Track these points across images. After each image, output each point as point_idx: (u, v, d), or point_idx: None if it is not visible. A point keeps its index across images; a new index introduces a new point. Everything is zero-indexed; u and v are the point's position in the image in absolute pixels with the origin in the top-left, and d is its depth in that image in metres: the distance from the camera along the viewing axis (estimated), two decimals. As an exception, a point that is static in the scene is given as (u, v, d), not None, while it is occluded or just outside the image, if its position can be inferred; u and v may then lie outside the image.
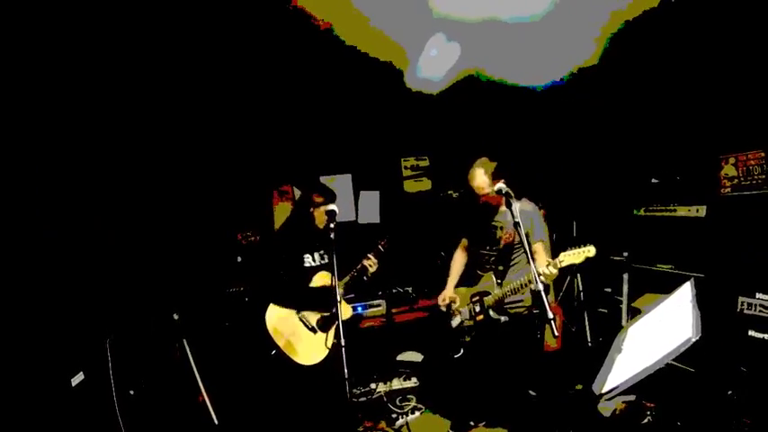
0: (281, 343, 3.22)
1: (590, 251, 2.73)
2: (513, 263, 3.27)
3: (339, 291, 3.29)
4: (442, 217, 3.77)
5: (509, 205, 2.62)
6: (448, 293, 3.54)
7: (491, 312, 3.27)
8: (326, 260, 3.46)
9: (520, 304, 3.29)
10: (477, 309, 3.34)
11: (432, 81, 4.24)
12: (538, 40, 3.64)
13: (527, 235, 2.96)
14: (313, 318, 3.35)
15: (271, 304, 3.29)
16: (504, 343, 3.29)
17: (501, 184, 2.74)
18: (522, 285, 3.03)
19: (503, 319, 3.26)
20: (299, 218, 3.52)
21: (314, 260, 3.45)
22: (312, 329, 3.33)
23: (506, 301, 3.24)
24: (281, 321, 3.27)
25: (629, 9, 3.36)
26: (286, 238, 3.61)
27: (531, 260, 2.52)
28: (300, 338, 3.28)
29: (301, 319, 3.32)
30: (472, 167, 3.19)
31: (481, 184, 3.13)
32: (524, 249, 2.58)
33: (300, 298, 3.35)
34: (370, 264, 3.40)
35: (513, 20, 3.36)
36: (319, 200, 3.39)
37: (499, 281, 3.26)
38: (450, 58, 3.89)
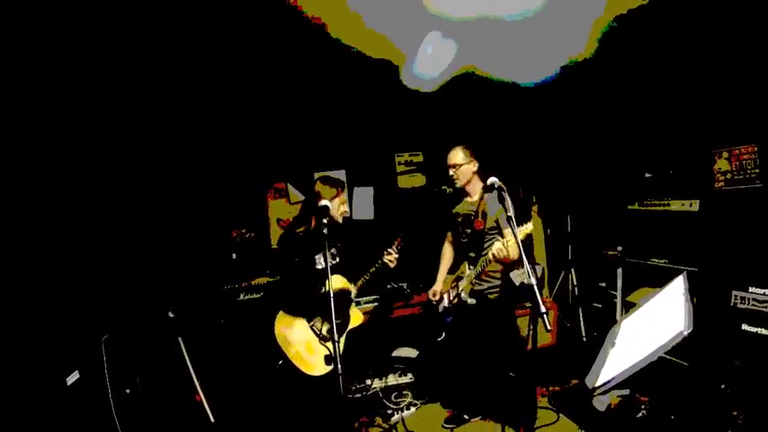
0: (290, 353, 3.06)
1: (528, 227, 2.77)
2: (484, 250, 3.28)
3: (353, 291, 3.33)
4: (436, 212, 3.78)
5: (502, 200, 2.61)
6: (437, 287, 3.73)
7: (462, 295, 3.44)
8: (338, 260, 3.29)
9: (495, 290, 3.45)
10: (453, 293, 3.53)
11: (428, 78, 4.23)
12: (531, 36, 3.63)
13: (497, 221, 3.29)
14: (325, 326, 3.19)
15: (280, 312, 3.13)
16: (477, 326, 3.47)
17: (494, 178, 2.71)
18: (486, 262, 3.15)
19: (469, 301, 3.42)
20: (309, 215, 3.25)
21: (324, 261, 3.16)
22: (323, 338, 3.15)
23: (481, 287, 3.44)
24: (291, 330, 3.12)
25: (621, 3, 3.36)
26: (298, 238, 3.25)
27: (523, 258, 2.45)
28: (311, 348, 3.11)
29: (312, 328, 3.16)
30: (452, 149, 3.46)
31: (453, 154, 3.43)
32: (497, 236, 3.02)
33: (312, 304, 3.15)
34: (391, 259, 3.29)
35: (507, 17, 3.36)
36: (332, 191, 3.18)
37: (471, 266, 3.40)
38: (447, 56, 3.89)
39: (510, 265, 3.24)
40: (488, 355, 3.53)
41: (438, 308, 3.68)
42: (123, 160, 4.00)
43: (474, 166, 3.43)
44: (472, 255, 3.41)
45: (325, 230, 2.69)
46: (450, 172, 3.44)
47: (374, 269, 3.31)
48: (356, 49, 3.67)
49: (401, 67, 4.10)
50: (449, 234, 3.83)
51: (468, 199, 3.52)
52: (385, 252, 3.31)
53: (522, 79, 4.36)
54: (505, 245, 2.87)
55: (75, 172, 3.53)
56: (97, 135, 3.74)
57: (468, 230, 3.45)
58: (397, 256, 3.32)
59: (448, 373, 3.94)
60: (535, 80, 4.39)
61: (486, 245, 3.32)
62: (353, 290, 3.33)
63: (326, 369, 3.04)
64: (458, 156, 3.41)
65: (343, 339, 3.10)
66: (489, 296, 3.44)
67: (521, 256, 2.49)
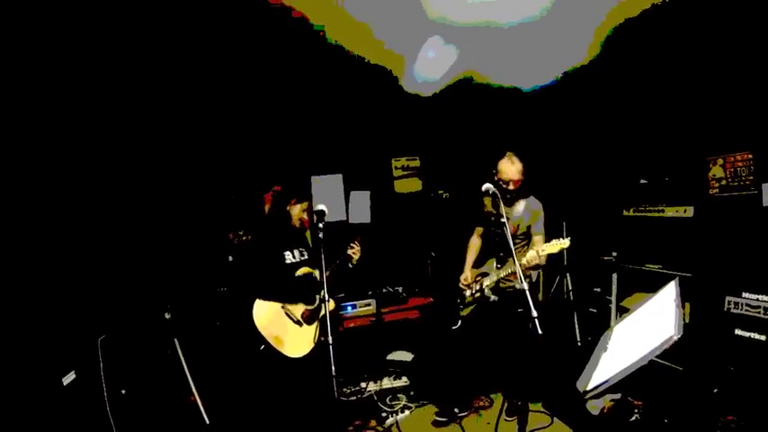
0: (269, 337, 3.21)
1: (565, 243, 3.05)
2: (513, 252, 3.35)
3: (317, 276, 3.47)
4: (432, 217, 3.79)
5: (496, 206, 2.89)
6: (467, 273, 3.80)
7: (485, 291, 3.56)
8: (306, 256, 3.53)
9: (512, 285, 3.54)
10: (477, 287, 3.64)
11: (428, 83, 4.25)
12: (531, 42, 3.67)
13: (529, 227, 3.52)
14: (298, 311, 3.36)
15: (257, 300, 3.26)
16: (494, 320, 3.59)
17: (488, 185, 2.96)
18: (514, 269, 3.17)
19: (492, 297, 3.55)
20: (276, 216, 3.61)
21: (293, 257, 3.46)
22: (298, 322, 3.33)
23: (506, 285, 3.55)
24: (267, 316, 3.26)
25: (622, 11, 3.39)
26: (266, 235, 3.67)
27: (514, 260, 2.75)
28: (287, 331, 3.28)
29: (287, 314, 3.32)
30: (507, 156, 3.47)
31: (519, 170, 3.44)
32: (526, 240, 3.38)
33: (284, 291, 3.34)
34: (355, 252, 3.47)
35: (507, 24, 3.39)
36: (292, 199, 3.52)
37: (499, 265, 3.55)
38: (447, 61, 3.91)
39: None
40: (502, 349, 3.69)
41: (462, 295, 3.76)
42: (124, 163, 4.02)
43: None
44: (501, 255, 3.54)
45: (321, 234, 2.95)
46: (511, 187, 3.45)
47: (337, 262, 3.47)
48: (356, 54, 3.69)
49: (400, 72, 4.12)
50: (478, 228, 3.92)
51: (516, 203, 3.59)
52: (348, 246, 3.50)
53: (521, 85, 4.39)
54: (540, 254, 3.09)
55: (77, 175, 3.54)
56: (99, 138, 3.75)
57: (501, 232, 3.44)
58: (358, 248, 3.50)
59: (444, 371, 4.03)
60: (534, 86, 4.41)
61: (515, 248, 3.29)
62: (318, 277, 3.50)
63: (302, 352, 3.28)
64: (520, 170, 3.44)
65: (316, 325, 3.41)
66: (508, 290, 3.55)
67: (513, 260, 2.77)
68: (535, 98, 4.72)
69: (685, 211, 4.04)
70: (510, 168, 3.43)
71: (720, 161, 3.94)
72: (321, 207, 2.97)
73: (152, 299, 3.89)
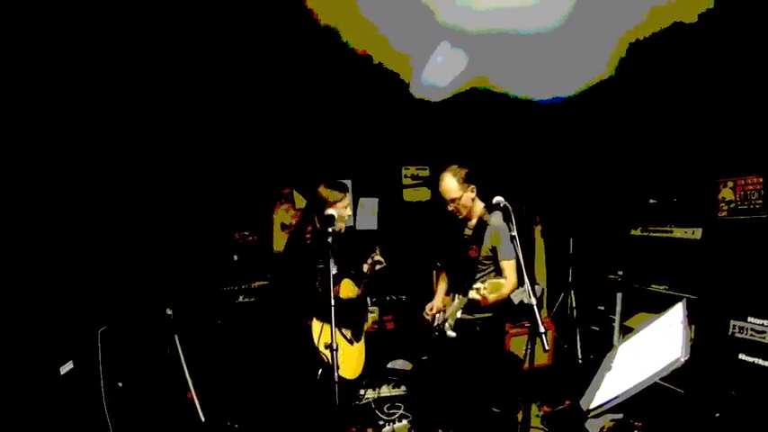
0: (327, 357, 2.92)
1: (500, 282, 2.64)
2: (477, 280, 3.07)
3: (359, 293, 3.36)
4: (439, 227, 3.77)
5: (508, 219, 2.57)
6: (434, 302, 3.47)
7: (444, 326, 3.21)
8: (337, 269, 3.12)
9: (481, 319, 3.20)
10: (441, 318, 3.33)
11: (436, 88, 4.24)
12: (547, 53, 3.64)
13: (494, 249, 3.07)
14: (347, 330, 3.19)
15: (314, 320, 2.96)
16: (457, 356, 3.24)
17: (499, 197, 2.66)
18: (470, 301, 2.90)
19: (449, 333, 3.15)
20: (312, 222, 3.12)
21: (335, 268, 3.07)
22: (350, 341, 3.17)
23: (470, 317, 3.18)
24: (326, 338, 2.93)
25: (637, 30, 3.38)
26: (308, 245, 3.10)
27: (524, 277, 2.42)
28: (344, 352, 2.99)
29: (341, 332, 3.11)
30: (442, 173, 3.15)
31: (448, 188, 3.09)
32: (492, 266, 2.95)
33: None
34: (380, 260, 3.42)
35: (522, 32, 3.35)
36: (337, 195, 3.07)
37: (460, 296, 3.17)
38: (457, 67, 3.89)
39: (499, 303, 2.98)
40: (471, 385, 3.32)
41: (432, 324, 3.44)
42: (133, 159, 4.03)
43: (472, 192, 3.15)
44: (464, 284, 3.10)
45: (330, 239, 2.67)
46: (450, 207, 3.14)
47: (371, 267, 3.39)
48: (373, 60, 3.69)
49: (410, 77, 4.12)
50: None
51: (471, 222, 3.26)
52: (372, 256, 3.42)
53: (532, 96, 4.37)
54: (485, 295, 2.64)
55: (86, 170, 3.56)
56: (106, 134, 3.77)
57: (462, 257, 3.21)
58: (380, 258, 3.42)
59: (438, 390, 3.69)
60: (546, 98, 4.40)
61: (478, 275, 3.15)
62: (359, 292, 3.38)
63: (359, 371, 3.16)
64: (453, 187, 3.08)
65: (362, 342, 3.29)
66: (477, 327, 3.20)
67: (522, 275, 2.45)
68: (547, 113, 4.72)
69: (693, 233, 4.01)
70: (440, 185, 3.14)
71: (730, 184, 3.92)
72: (331, 212, 2.82)
73: (155, 294, 3.89)
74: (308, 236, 3.06)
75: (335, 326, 2.84)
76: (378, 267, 3.44)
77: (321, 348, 2.87)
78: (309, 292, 2.98)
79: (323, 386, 2.79)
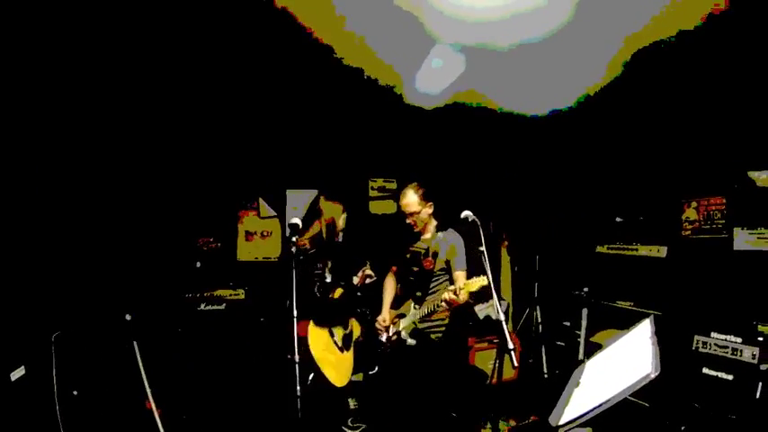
0: (323, 366, 3.11)
1: (483, 280, 2.70)
2: (431, 290, 3.23)
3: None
4: (404, 241, 3.73)
5: (477, 235, 2.71)
6: (384, 314, 3.51)
7: (402, 334, 3.28)
8: (331, 276, 3.44)
9: (440, 329, 3.26)
10: (393, 330, 3.37)
11: (428, 97, 4.15)
12: (523, 70, 3.64)
13: (448, 262, 3.21)
14: (339, 335, 3.30)
15: (310, 324, 3.14)
16: (417, 366, 3.27)
17: (468, 212, 2.81)
18: (435, 306, 3.05)
19: (409, 341, 3.24)
20: (320, 232, 3.41)
21: (328, 275, 3.42)
22: (341, 349, 3.29)
23: (426, 325, 3.24)
24: (320, 342, 3.17)
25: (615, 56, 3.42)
26: (311, 254, 3.38)
27: (493, 293, 2.59)
28: (336, 358, 3.21)
29: (332, 336, 3.24)
30: (404, 189, 3.35)
31: (409, 202, 3.28)
32: (445, 277, 3.09)
33: (329, 314, 3.30)
34: (370, 274, 3.58)
35: (506, 47, 3.33)
36: (337, 205, 3.47)
37: (416, 306, 3.27)
38: (454, 72, 3.77)
39: (458, 308, 3.11)
40: (429, 394, 3.33)
41: (379, 338, 3.49)
42: (96, 162, 3.93)
43: (430, 209, 3.33)
44: (419, 294, 3.27)
45: (293, 249, 2.80)
46: (408, 221, 3.32)
47: (359, 283, 3.55)
48: (350, 65, 3.63)
49: (400, 87, 4.05)
50: (393, 267, 3.68)
51: (426, 236, 3.38)
52: (362, 270, 3.57)
53: (513, 108, 4.36)
54: (458, 292, 2.79)
55: (40, 170, 3.44)
56: (65, 136, 3.67)
57: (417, 269, 3.33)
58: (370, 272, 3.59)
59: (390, 402, 3.68)
60: (525, 114, 4.41)
61: (433, 285, 3.24)
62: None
63: (347, 380, 3.27)
64: (413, 202, 3.28)
65: (351, 352, 3.41)
66: (432, 335, 3.25)
67: (490, 291, 2.60)
68: (516, 128, 4.75)
69: (658, 251, 4.10)
70: (402, 200, 3.33)
71: (694, 204, 4.02)
72: (295, 221, 2.87)
73: (114, 299, 3.75)
74: (307, 243, 3.33)
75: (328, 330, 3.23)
76: (368, 281, 3.59)
77: (315, 354, 3.03)
78: (309, 296, 3.16)
79: (312, 392, 2.97)
